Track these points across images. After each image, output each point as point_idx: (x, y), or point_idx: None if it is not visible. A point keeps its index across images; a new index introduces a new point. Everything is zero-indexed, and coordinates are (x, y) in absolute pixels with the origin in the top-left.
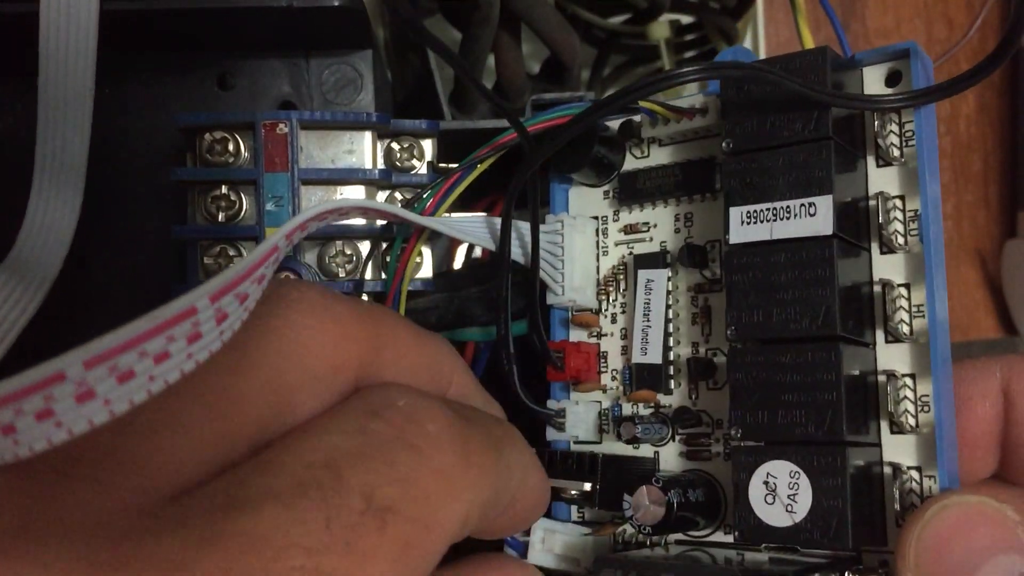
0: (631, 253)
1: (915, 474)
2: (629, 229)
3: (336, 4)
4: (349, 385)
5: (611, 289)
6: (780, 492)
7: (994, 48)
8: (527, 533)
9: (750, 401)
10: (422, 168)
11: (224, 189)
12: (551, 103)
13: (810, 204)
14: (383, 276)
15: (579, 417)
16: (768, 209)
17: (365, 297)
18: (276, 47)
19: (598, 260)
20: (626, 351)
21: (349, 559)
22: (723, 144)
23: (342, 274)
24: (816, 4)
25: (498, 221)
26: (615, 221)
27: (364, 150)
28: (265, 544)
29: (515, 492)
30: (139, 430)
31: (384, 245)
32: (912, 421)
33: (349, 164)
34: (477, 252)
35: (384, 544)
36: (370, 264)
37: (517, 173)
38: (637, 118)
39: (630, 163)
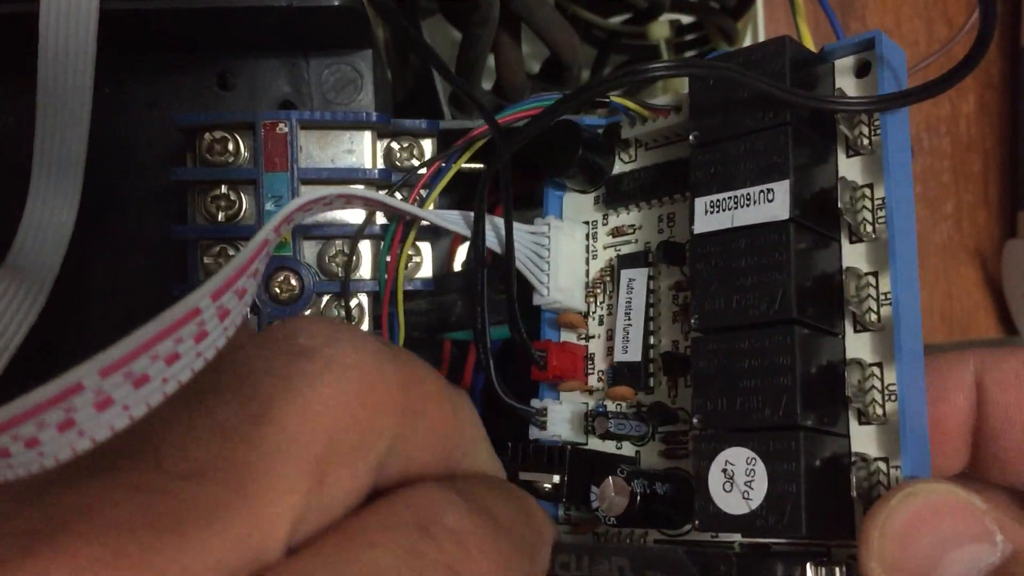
0: (618, 255)
1: (882, 464)
2: (616, 232)
3: (336, 4)
4: (380, 458)
5: (599, 292)
6: (737, 479)
7: (961, 59)
8: None
9: (711, 389)
10: (422, 168)
11: (224, 189)
12: None
13: (768, 190)
14: (385, 276)
15: (561, 416)
16: (730, 197)
17: (364, 297)
18: (276, 47)
19: (587, 264)
20: (611, 352)
21: None
22: (690, 137)
23: (342, 274)
24: (816, 4)
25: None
26: (604, 225)
27: (364, 150)
28: None
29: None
30: (171, 527)
31: (383, 244)
32: (879, 411)
33: (349, 164)
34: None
35: None
36: (370, 264)
37: (488, 164)
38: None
39: (618, 167)
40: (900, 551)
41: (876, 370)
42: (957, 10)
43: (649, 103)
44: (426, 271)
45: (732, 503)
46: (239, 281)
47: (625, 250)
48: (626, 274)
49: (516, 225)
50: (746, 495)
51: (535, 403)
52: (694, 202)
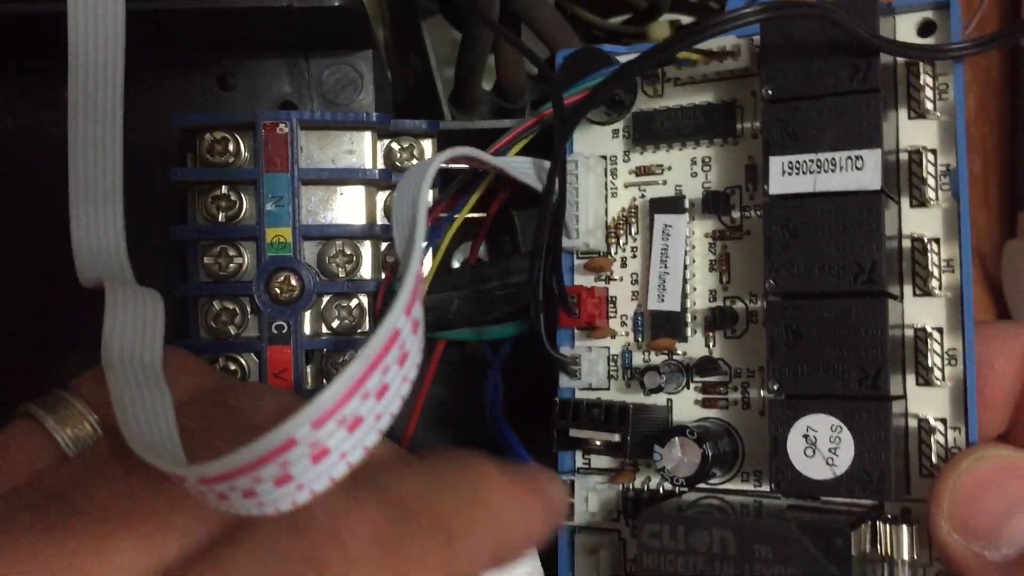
0: (643, 196)
1: (940, 426)
2: (642, 171)
3: (336, 4)
4: None
5: (621, 232)
6: (820, 446)
7: None
8: (570, 494)
9: (790, 355)
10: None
11: (224, 189)
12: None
13: (857, 157)
14: (383, 275)
15: (592, 364)
16: (812, 160)
17: (364, 298)
18: (276, 47)
19: (606, 202)
20: (636, 296)
21: None
22: (763, 91)
23: (342, 274)
24: None
25: (533, 161)
26: (625, 162)
27: (364, 150)
28: None
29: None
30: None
31: (384, 245)
32: (939, 375)
33: (349, 164)
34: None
35: None
36: (370, 264)
37: (558, 137)
38: None
39: (643, 102)
40: (969, 511)
41: (937, 335)
42: (960, 10)
43: (706, 49)
44: (426, 271)
45: (814, 468)
46: (417, 289)
47: (653, 192)
48: (660, 219)
49: (541, 162)
50: (830, 461)
51: (566, 351)
52: (768, 160)
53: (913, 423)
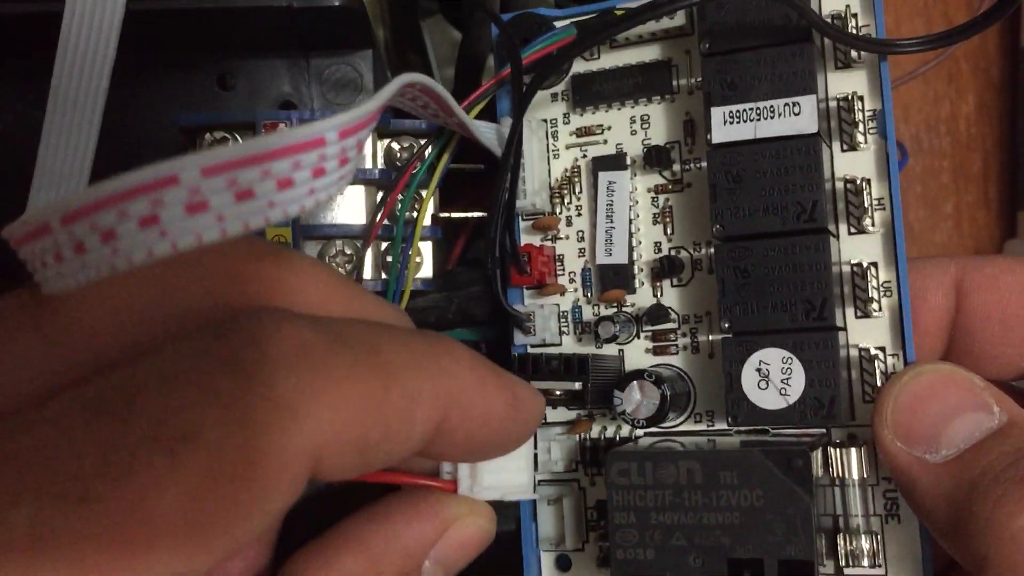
0: (585, 156)
1: (880, 354)
2: (583, 132)
3: (336, 4)
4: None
5: (565, 192)
6: (773, 378)
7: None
8: (533, 446)
9: (739, 294)
10: (422, 168)
11: None
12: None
13: (794, 103)
14: (383, 276)
15: (545, 320)
16: (751, 109)
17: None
18: (276, 47)
19: (549, 164)
20: (583, 254)
21: (128, 488)
22: (700, 45)
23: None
24: None
25: (494, 126)
26: (566, 124)
27: (364, 150)
28: (28, 467)
29: (441, 421)
30: None
31: (384, 245)
32: (876, 306)
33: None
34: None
35: (177, 474)
36: (370, 264)
37: (516, 106)
38: None
39: (580, 65)
40: (911, 419)
41: (873, 269)
42: (957, 10)
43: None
44: (426, 271)
45: (768, 399)
46: (365, 129)
47: (595, 151)
48: (605, 176)
49: (487, 125)
50: (783, 392)
51: (519, 307)
52: (710, 111)
53: (855, 353)
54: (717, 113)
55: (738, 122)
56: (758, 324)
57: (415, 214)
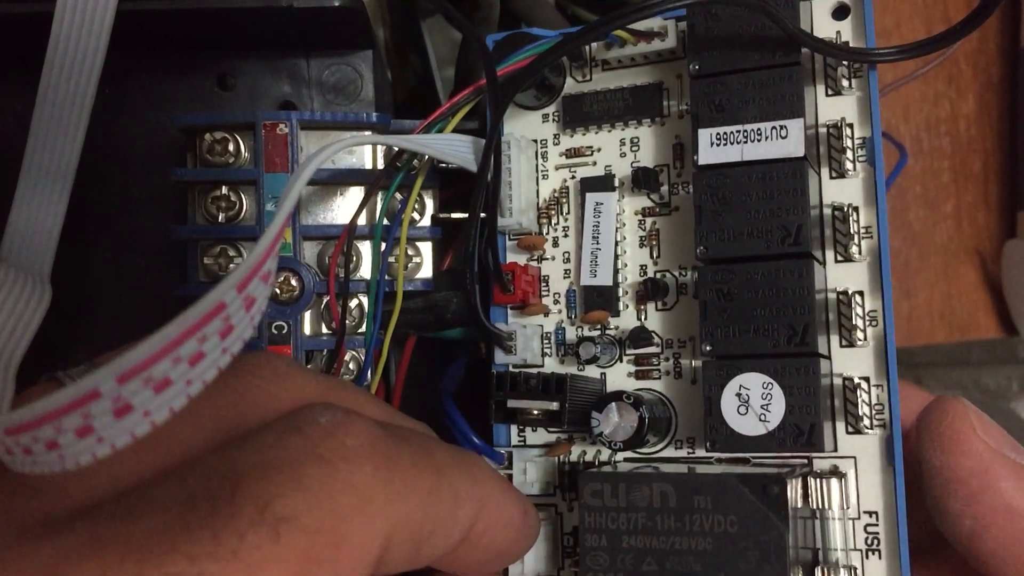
0: (574, 177)
1: (864, 384)
2: (572, 153)
3: (336, 4)
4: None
5: (553, 213)
6: (753, 403)
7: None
8: (508, 466)
9: (721, 318)
10: (424, 154)
11: (224, 189)
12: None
13: (781, 127)
14: (386, 276)
15: (527, 340)
16: (738, 131)
17: (364, 298)
18: (276, 47)
19: (537, 184)
20: (569, 275)
21: (236, 567)
22: (690, 67)
23: (341, 274)
24: None
25: (471, 140)
26: (556, 144)
27: (364, 150)
28: (144, 550)
29: (474, 523)
30: None
31: (384, 245)
32: (861, 335)
33: (349, 164)
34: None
35: (279, 554)
36: (370, 264)
37: (492, 112)
38: None
39: (572, 86)
40: (989, 425)
41: (858, 297)
42: (957, 10)
43: (635, 29)
44: (426, 271)
45: (747, 425)
46: (265, 264)
47: (584, 172)
48: (592, 197)
49: (463, 140)
50: (763, 417)
51: (502, 327)
52: (698, 133)
53: (839, 382)
54: (704, 135)
55: (725, 144)
56: (739, 348)
57: (416, 215)
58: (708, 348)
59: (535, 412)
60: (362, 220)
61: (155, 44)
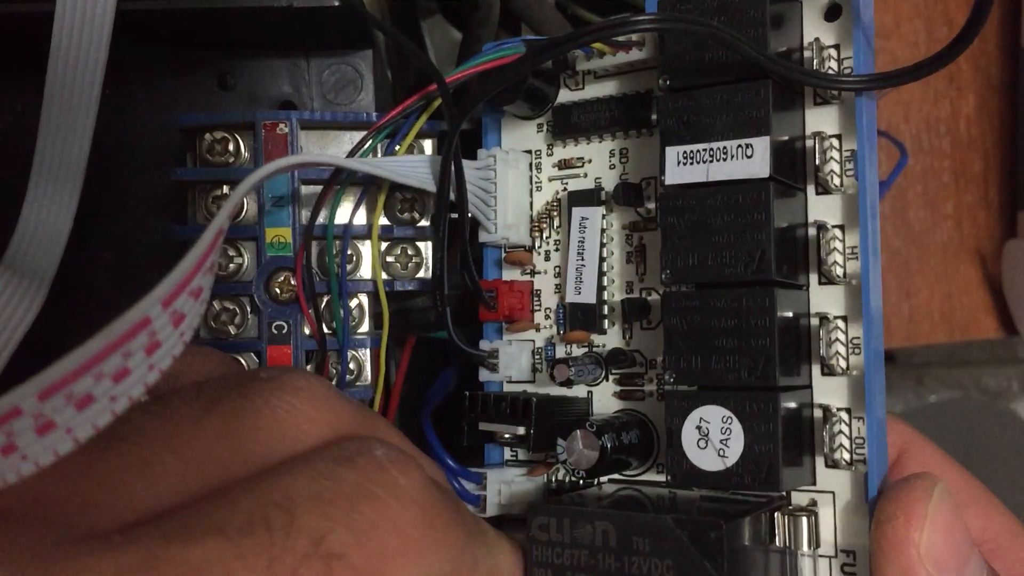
0: (566, 189)
1: (844, 415)
2: (563, 164)
3: (336, 4)
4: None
5: (545, 226)
6: (712, 437)
7: (948, 43)
8: (483, 487)
9: (684, 345)
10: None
11: (224, 189)
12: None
13: (747, 145)
14: (384, 276)
15: (512, 357)
16: (705, 150)
17: (364, 298)
18: (276, 47)
19: (531, 196)
20: (560, 290)
21: None
22: (659, 81)
23: (313, 277)
24: None
25: (429, 159)
26: (549, 156)
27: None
28: (201, 574)
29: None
30: (105, 473)
31: (385, 244)
32: (843, 363)
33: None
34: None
35: None
36: (370, 264)
37: (452, 119)
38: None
39: (565, 96)
40: (943, 544)
41: (841, 323)
42: (957, 10)
43: (612, 39)
44: (426, 271)
45: (706, 460)
46: (193, 281)
47: (574, 185)
48: (578, 212)
49: (419, 159)
50: (722, 453)
51: (484, 345)
52: (665, 151)
53: (819, 413)
54: (671, 153)
55: (692, 163)
56: (701, 378)
57: (418, 216)
58: (671, 377)
59: (506, 436)
60: (362, 220)
61: (155, 44)
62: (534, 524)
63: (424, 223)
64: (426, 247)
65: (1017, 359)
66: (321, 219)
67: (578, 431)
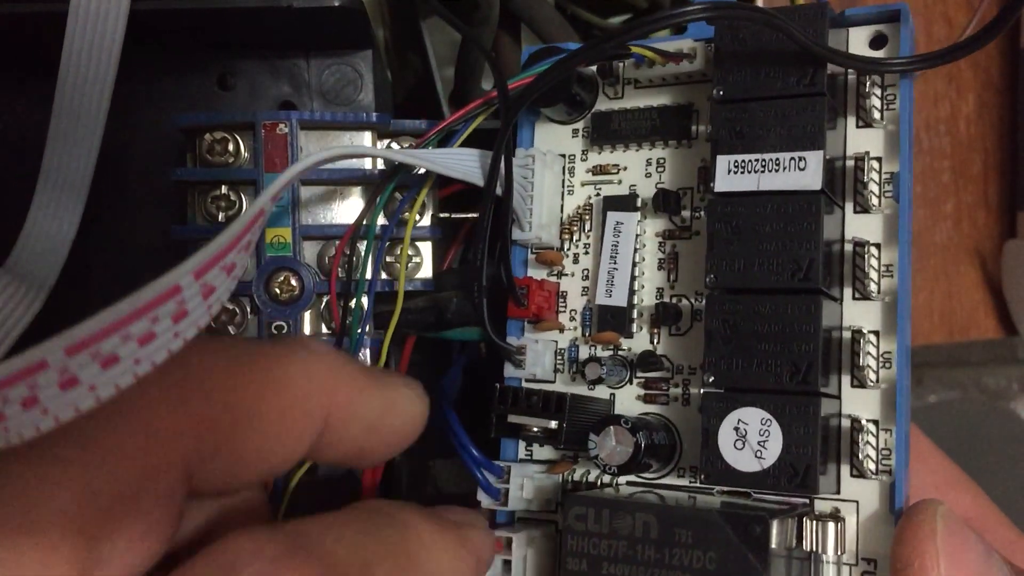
0: (598, 194)
1: (872, 427)
2: (598, 170)
3: (336, 4)
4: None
5: (575, 229)
6: (750, 438)
7: (992, 19)
8: (506, 480)
9: (725, 348)
10: (422, 169)
11: (224, 189)
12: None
13: (800, 158)
14: (383, 276)
15: (538, 355)
16: (757, 160)
17: (364, 298)
18: (276, 47)
19: (563, 199)
20: (587, 292)
21: None
22: (714, 91)
23: (341, 274)
24: None
25: (479, 154)
26: (583, 160)
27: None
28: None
29: None
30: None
31: (386, 244)
32: (873, 376)
33: (349, 165)
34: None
35: None
36: (370, 264)
37: (508, 118)
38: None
39: (603, 103)
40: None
41: (873, 338)
42: (957, 10)
43: (663, 49)
44: (426, 271)
45: (743, 460)
46: (228, 256)
47: (608, 190)
48: (613, 216)
49: (469, 153)
50: (759, 454)
51: (513, 341)
52: (716, 159)
53: (847, 423)
54: (723, 161)
55: (743, 172)
56: (741, 381)
57: (418, 216)
58: (711, 379)
59: (534, 429)
60: (365, 221)
61: (155, 44)
62: (571, 514)
63: (424, 223)
64: (426, 247)
65: (1017, 359)
66: (322, 220)
67: (612, 427)
